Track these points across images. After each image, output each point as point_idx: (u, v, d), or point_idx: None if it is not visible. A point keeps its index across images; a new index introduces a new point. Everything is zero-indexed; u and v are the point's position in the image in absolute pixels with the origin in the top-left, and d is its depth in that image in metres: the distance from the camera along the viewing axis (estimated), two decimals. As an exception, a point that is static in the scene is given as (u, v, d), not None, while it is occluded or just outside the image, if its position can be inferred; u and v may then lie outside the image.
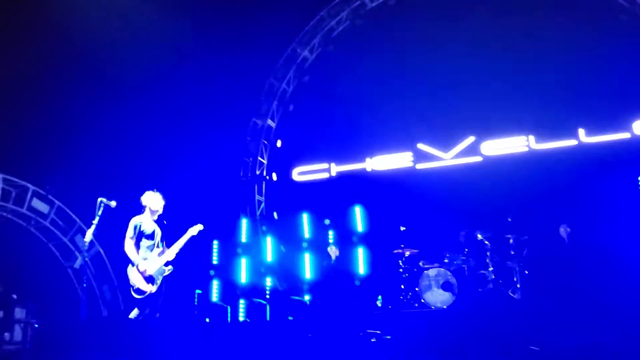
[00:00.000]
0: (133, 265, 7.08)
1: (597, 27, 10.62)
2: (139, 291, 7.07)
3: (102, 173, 11.04)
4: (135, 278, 7.07)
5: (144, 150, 11.78)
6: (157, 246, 7.31)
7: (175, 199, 11.54)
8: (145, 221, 7.27)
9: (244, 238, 11.84)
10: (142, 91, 11.56)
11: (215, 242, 12.09)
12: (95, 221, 6.67)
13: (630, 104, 10.34)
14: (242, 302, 11.28)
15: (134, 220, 7.20)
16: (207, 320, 10.87)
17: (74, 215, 11.80)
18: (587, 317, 7.37)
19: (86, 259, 7.35)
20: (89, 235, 6.76)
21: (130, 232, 7.09)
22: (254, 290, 11.40)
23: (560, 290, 8.84)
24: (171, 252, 7.33)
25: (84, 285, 7.26)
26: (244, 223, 11.97)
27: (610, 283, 9.15)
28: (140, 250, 7.15)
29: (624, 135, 10.46)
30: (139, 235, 7.16)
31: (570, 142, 10.73)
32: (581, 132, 10.68)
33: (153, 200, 7.35)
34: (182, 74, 11.64)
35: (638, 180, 10.28)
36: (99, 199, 6.69)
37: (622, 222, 9.96)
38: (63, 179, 11.64)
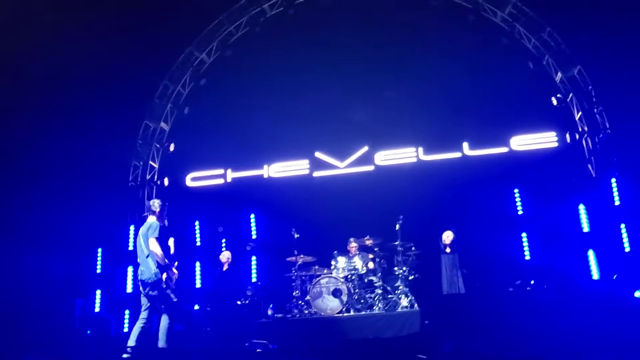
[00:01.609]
0: (162, 266, 6.45)
1: (481, 50, 11.45)
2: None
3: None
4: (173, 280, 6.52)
5: (28, 151, 10.94)
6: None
7: (59, 204, 10.86)
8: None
9: (130, 246, 11.27)
10: (28, 89, 10.77)
11: (100, 250, 11.44)
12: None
13: (508, 121, 11.17)
14: (127, 313, 10.73)
15: (155, 221, 6.61)
16: (88, 332, 10.25)
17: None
18: (468, 322, 7.81)
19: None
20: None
21: (157, 233, 6.47)
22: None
23: (444, 296, 9.29)
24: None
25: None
26: (132, 230, 11.40)
27: (488, 286, 9.78)
28: None
29: (502, 150, 11.26)
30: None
31: (455, 155, 11.36)
32: (465, 145, 11.35)
33: (159, 206, 6.83)
34: (71, 72, 10.92)
35: (514, 192, 11.13)
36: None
37: (499, 229, 10.74)
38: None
